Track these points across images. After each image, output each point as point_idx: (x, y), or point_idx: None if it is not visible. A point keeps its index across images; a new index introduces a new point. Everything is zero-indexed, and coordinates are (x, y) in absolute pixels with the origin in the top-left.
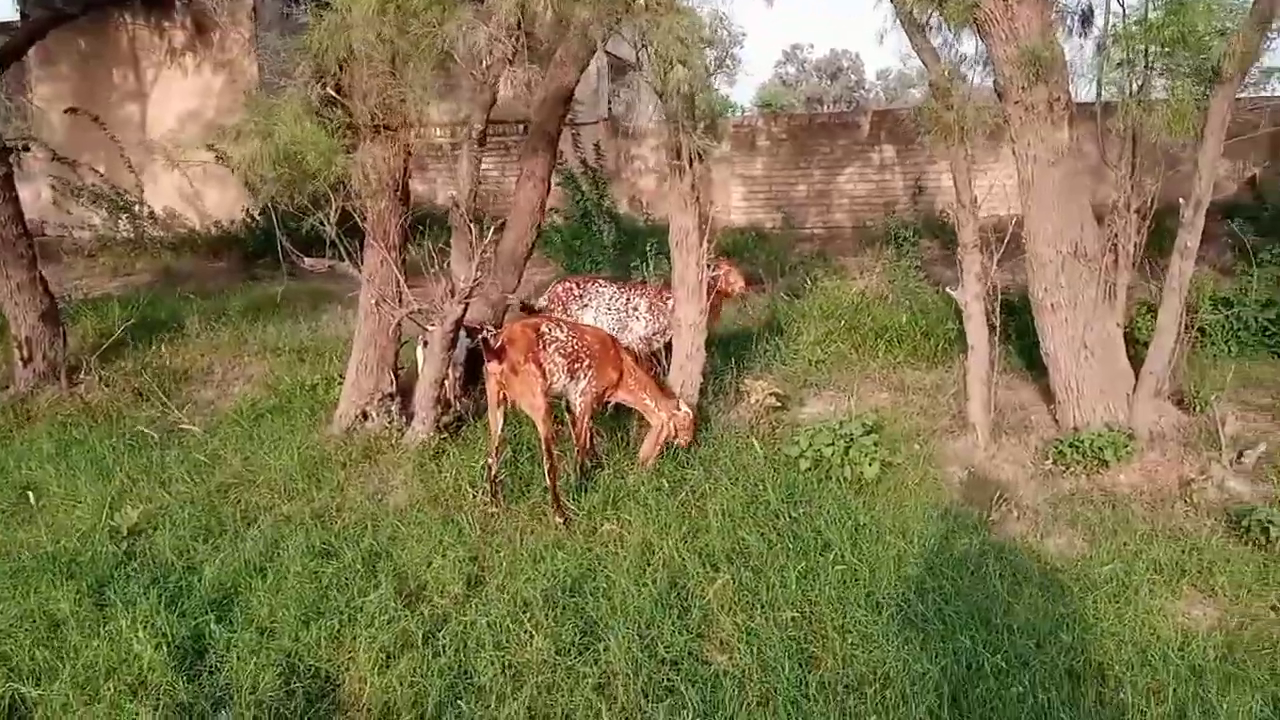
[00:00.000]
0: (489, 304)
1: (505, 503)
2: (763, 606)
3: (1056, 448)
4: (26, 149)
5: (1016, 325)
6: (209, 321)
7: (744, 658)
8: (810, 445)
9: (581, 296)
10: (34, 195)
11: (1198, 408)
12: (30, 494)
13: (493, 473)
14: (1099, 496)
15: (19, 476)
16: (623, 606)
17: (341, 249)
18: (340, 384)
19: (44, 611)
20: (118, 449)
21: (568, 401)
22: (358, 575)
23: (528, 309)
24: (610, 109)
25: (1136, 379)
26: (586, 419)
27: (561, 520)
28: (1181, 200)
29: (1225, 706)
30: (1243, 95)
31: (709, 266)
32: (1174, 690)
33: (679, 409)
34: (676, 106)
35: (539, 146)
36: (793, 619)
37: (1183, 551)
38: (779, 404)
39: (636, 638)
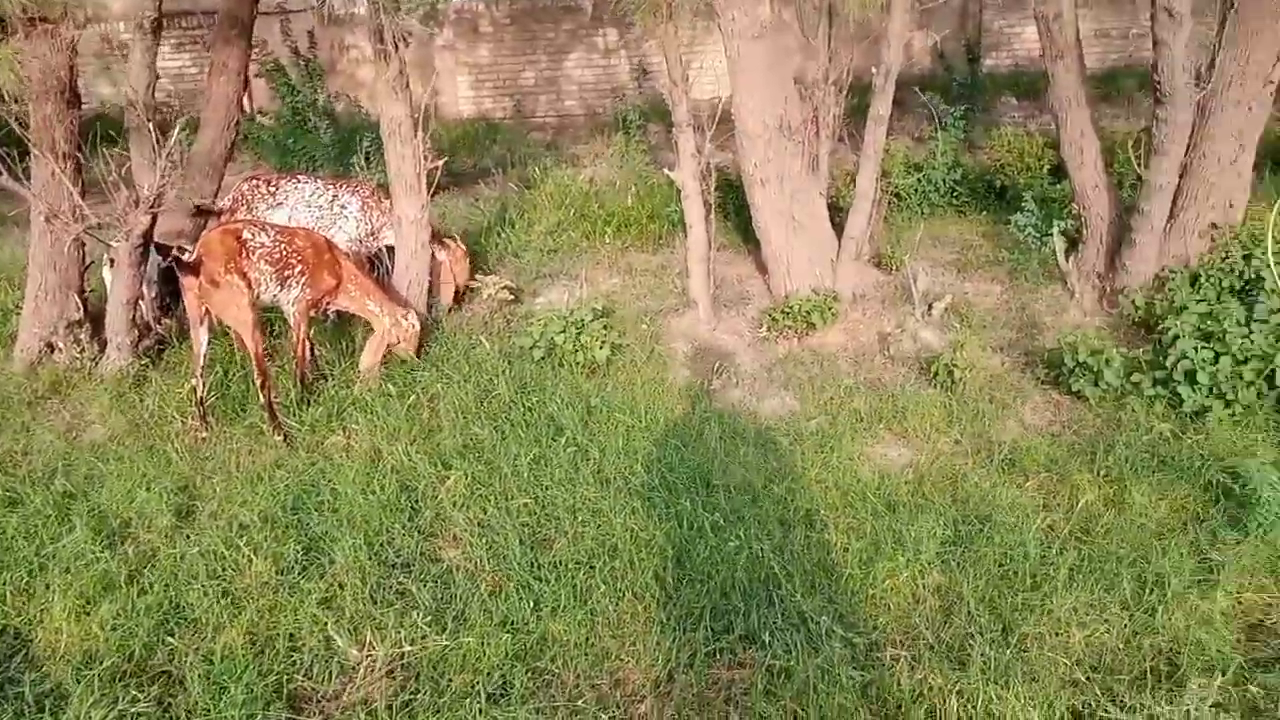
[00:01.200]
0: (187, 213)
1: (216, 426)
2: (495, 498)
3: (770, 315)
4: None
5: (735, 202)
6: None
7: (476, 550)
8: (542, 334)
9: (273, 194)
10: None
11: (894, 267)
12: None
13: (200, 395)
14: (809, 357)
15: None
16: (350, 517)
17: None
18: (19, 315)
19: None
20: None
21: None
22: (49, 520)
23: (205, 212)
24: None
25: (840, 245)
26: (304, 329)
27: (281, 438)
28: (874, 69)
29: (913, 533)
30: None
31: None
32: (870, 525)
33: (406, 317)
34: None
35: (230, 35)
36: (524, 505)
37: (881, 400)
38: (512, 297)
39: (364, 546)
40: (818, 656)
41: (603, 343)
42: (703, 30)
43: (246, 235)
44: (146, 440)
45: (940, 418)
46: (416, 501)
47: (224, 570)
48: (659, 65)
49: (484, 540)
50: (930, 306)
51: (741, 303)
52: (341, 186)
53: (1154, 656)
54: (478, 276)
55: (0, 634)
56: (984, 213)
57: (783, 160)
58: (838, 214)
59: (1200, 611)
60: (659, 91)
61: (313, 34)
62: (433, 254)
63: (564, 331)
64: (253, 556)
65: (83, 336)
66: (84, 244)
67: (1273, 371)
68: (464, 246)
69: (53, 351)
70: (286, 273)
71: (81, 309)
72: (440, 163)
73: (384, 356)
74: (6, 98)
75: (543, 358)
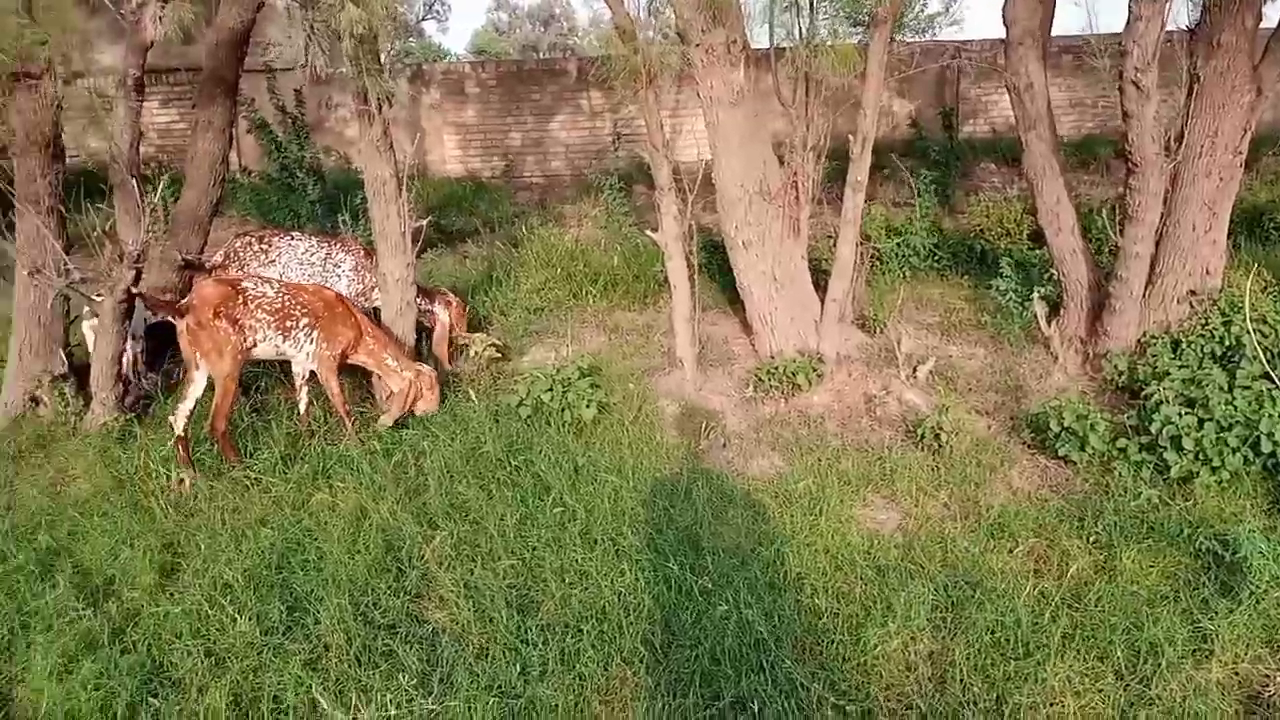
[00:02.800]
0: (174, 269)
1: (203, 479)
2: (482, 559)
3: (756, 376)
4: None
5: (719, 262)
6: None
7: (462, 612)
8: (529, 393)
9: (266, 251)
10: None
11: (877, 329)
12: None
13: (184, 436)
14: (795, 418)
15: None
16: (335, 577)
17: None
18: (3, 368)
19: None
20: None
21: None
22: (31, 577)
23: (193, 266)
24: (309, 53)
25: (823, 306)
26: (334, 383)
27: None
28: (850, 137)
29: (903, 599)
30: (914, 39)
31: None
32: (860, 590)
33: (422, 369)
34: (356, 49)
35: (215, 93)
36: (511, 567)
37: (868, 462)
38: (499, 354)
39: (349, 606)
40: None
41: (589, 402)
42: (688, 94)
43: (247, 285)
44: (131, 496)
45: (928, 480)
46: (402, 562)
47: (207, 629)
48: (642, 128)
49: (470, 602)
50: (915, 369)
51: (727, 362)
52: (335, 244)
53: None
54: (465, 334)
55: None
56: (965, 276)
57: (763, 223)
58: (820, 276)
59: (1196, 682)
60: (642, 153)
61: (300, 92)
62: (432, 312)
63: (550, 390)
64: (237, 616)
65: (67, 391)
66: (68, 298)
67: (1258, 438)
68: (459, 299)
69: (37, 405)
70: (289, 326)
71: (66, 363)
72: (424, 222)
73: (406, 413)
74: None
75: (529, 416)
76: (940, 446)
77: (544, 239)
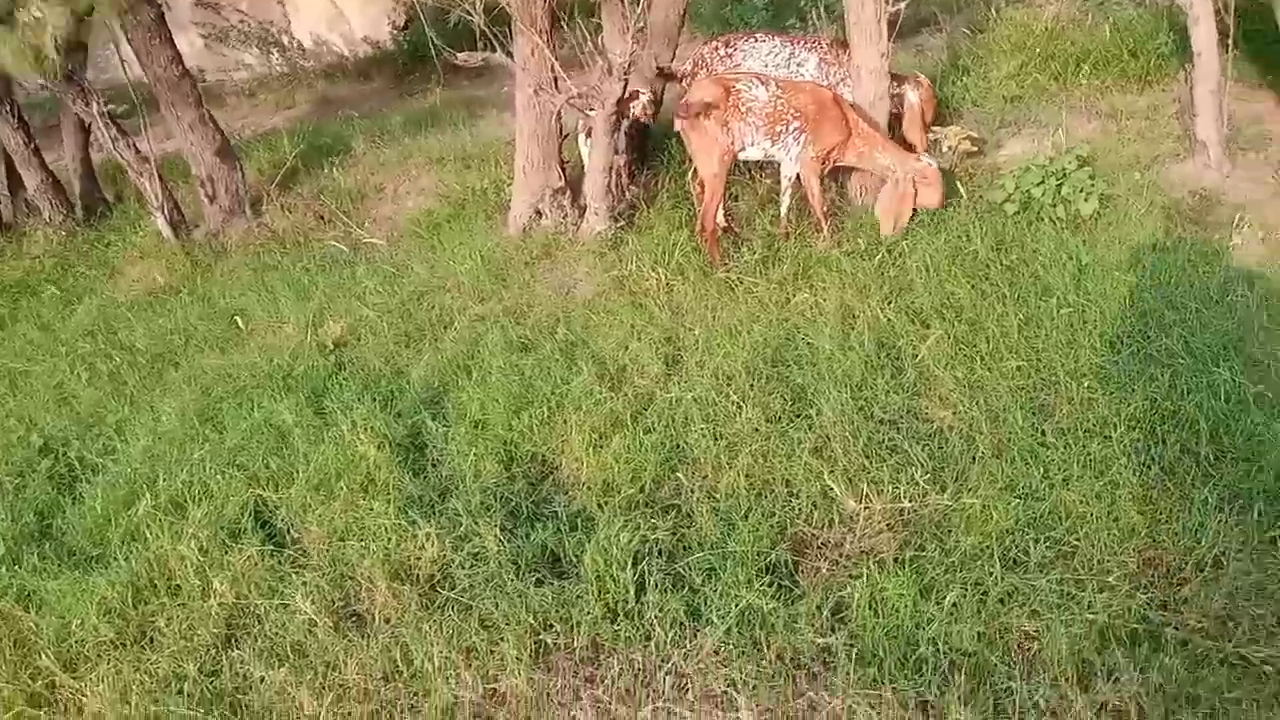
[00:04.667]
0: (645, 81)
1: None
2: (983, 359)
3: None
4: None
5: (1245, 27)
6: (373, 141)
7: (969, 411)
8: (1017, 187)
9: (731, 55)
10: (187, 45)
11: None
12: (238, 320)
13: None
14: None
15: (225, 305)
16: (830, 372)
17: (492, 40)
18: (509, 186)
19: (270, 424)
20: (311, 270)
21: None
22: (558, 364)
23: (666, 75)
24: None
25: None
26: (815, 185)
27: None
28: None
29: None
30: None
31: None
32: None
33: (919, 161)
34: None
35: None
36: (1018, 368)
37: None
38: (975, 148)
39: (849, 400)
40: None
41: (1089, 194)
42: None
43: (739, 87)
44: (629, 296)
45: None
46: (897, 359)
47: (716, 416)
48: None
49: (976, 401)
50: None
51: (1263, 144)
52: (799, 43)
53: None
54: (936, 127)
55: (532, 459)
56: None
57: None
58: None
59: None
60: None
61: None
62: (902, 96)
63: (1042, 183)
64: (741, 404)
65: (565, 203)
66: (560, 116)
67: None
68: (928, 81)
69: (540, 217)
70: (778, 128)
71: (562, 177)
72: (901, 5)
73: (911, 212)
74: None
75: (1017, 212)
76: None
77: (1014, 21)
